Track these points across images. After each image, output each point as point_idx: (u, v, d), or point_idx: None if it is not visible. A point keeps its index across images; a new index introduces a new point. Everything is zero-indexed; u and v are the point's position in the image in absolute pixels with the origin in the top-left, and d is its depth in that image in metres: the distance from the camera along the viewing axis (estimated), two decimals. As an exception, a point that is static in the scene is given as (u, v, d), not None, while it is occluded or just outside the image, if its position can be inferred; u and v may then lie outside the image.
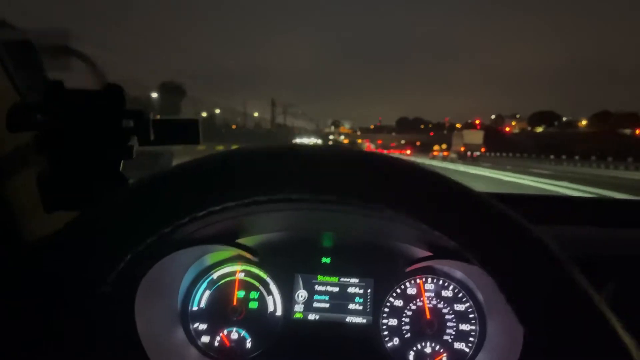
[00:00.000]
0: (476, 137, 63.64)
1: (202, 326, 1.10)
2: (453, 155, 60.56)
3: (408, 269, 1.06)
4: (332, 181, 0.45)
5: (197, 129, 1.02)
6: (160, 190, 0.45)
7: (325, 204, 0.91)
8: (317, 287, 1.12)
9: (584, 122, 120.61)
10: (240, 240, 1.05)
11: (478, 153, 59.42)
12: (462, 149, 60.31)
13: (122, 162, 0.80)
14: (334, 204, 0.88)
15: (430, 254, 1.01)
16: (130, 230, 0.45)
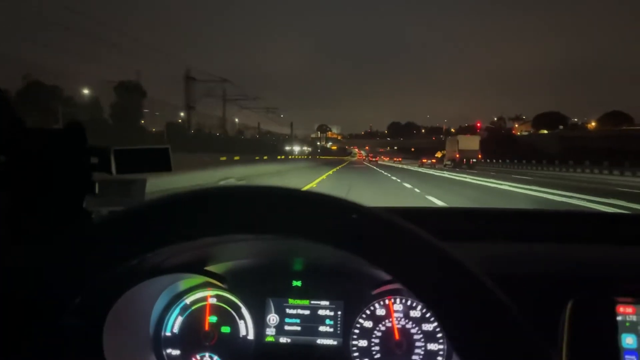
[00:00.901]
0: (472, 142, 59.81)
1: (175, 352, 1.12)
2: (448, 163, 59.46)
3: (375, 292, 1.08)
4: (243, 218, 0.49)
5: (168, 156, 1.04)
6: (115, 228, 0.50)
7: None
8: (288, 311, 1.14)
9: (593, 124, 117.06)
10: (209, 268, 1.07)
11: (475, 160, 56.76)
12: (457, 155, 57.18)
13: (84, 197, 0.82)
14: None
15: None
16: (91, 261, 0.49)
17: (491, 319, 0.45)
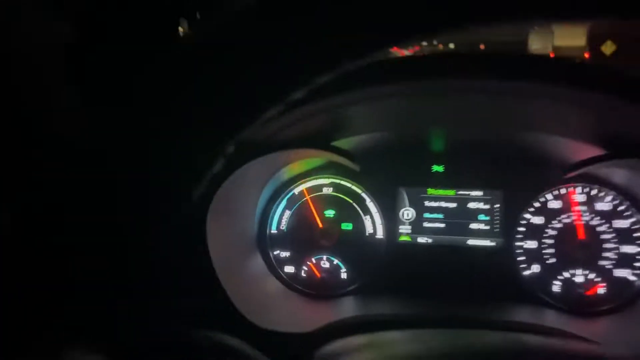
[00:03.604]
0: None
1: (285, 253, 0.89)
2: None
3: (568, 175, 0.79)
4: None
5: None
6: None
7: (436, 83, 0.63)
8: (428, 204, 0.88)
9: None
10: (335, 143, 0.80)
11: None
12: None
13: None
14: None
15: (602, 152, 0.72)
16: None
17: None
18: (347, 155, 0.79)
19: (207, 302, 0.68)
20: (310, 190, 0.89)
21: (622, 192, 0.81)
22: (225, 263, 0.71)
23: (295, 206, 0.89)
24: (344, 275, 0.87)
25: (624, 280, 0.80)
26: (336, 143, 0.78)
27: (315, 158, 0.83)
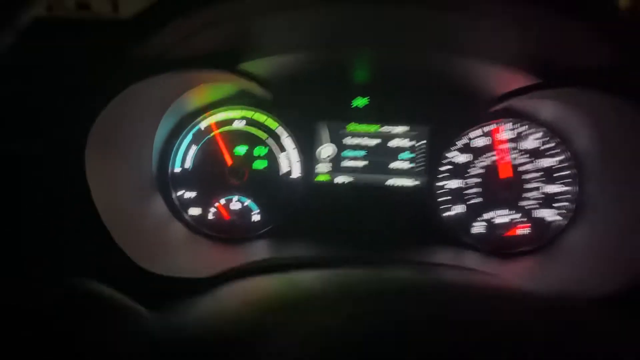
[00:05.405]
0: None
1: (190, 194, 0.79)
2: None
3: (493, 109, 0.74)
4: None
5: None
6: None
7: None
8: (349, 140, 0.81)
9: None
10: (245, 66, 0.69)
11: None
12: None
13: None
14: None
15: (535, 81, 0.66)
16: None
17: None
18: (258, 81, 0.69)
19: (96, 249, 0.58)
20: (219, 124, 0.80)
21: (550, 129, 0.77)
22: (113, 206, 0.61)
23: (202, 141, 0.79)
24: (256, 217, 0.80)
25: (544, 221, 0.78)
26: (245, 65, 0.68)
27: (221, 84, 0.73)
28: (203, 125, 0.80)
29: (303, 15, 0.59)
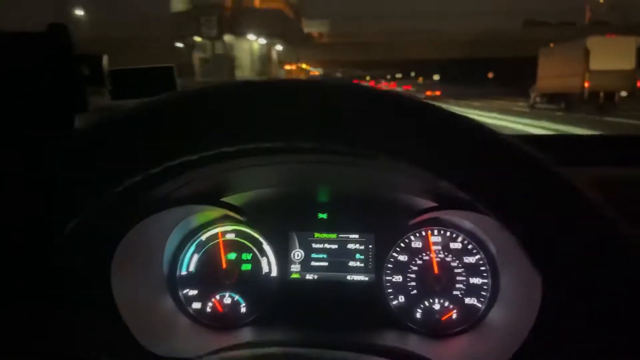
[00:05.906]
0: (622, 51, 20.17)
1: (192, 292, 1.03)
2: (538, 100, 24.31)
3: (412, 222, 0.97)
4: (313, 124, 0.36)
5: (172, 77, 0.91)
6: (123, 136, 0.37)
7: (314, 155, 0.81)
8: (314, 245, 1.04)
9: None
10: (226, 199, 0.96)
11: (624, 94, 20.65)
12: (586, 84, 19.94)
13: (74, 116, 0.69)
14: (321, 154, 0.78)
15: (435, 204, 0.91)
16: (81, 178, 0.37)
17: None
18: (235, 210, 0.95)
19: (111, 337, 0.82)
20: (215, 236, 1.04)
21: (469, 235, 0.99)
22: (132, 304, 0.85)
23: (203, 250, 1.04)
24: (243, 310, 1.02)
25: (473, 307, 0.97)
26: (227, 199, 0.94)
27: (210, 211, 0.99)
28: (203, 237, 1.04)
29: (271, 169, 0.86)
